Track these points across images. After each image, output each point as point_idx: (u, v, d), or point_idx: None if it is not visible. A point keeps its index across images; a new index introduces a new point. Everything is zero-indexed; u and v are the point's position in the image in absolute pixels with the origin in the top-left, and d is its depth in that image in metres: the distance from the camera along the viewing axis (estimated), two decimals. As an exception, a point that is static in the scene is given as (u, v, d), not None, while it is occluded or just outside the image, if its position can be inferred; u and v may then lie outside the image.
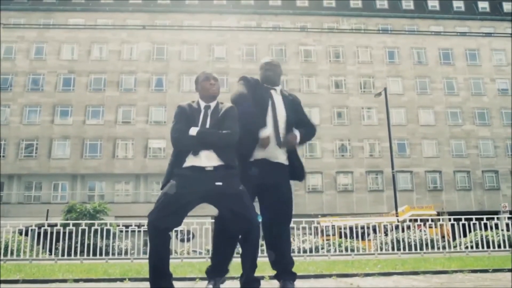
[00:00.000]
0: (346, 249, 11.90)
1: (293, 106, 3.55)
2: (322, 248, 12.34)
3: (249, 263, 2.96)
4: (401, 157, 34.65)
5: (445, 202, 33.63)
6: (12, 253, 10.84)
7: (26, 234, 12.16)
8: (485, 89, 37.81)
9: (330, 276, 4.47)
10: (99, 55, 36.52)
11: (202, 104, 3.21)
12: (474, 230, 12.51)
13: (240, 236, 3.04)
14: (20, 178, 33.66)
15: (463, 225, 11.96)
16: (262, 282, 3.14)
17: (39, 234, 11.56)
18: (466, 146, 36.41)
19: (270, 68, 3.61)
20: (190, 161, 3.02)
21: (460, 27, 40.86)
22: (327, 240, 13.11)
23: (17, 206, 32.06)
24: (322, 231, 13.84)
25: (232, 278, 4.26)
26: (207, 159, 3.01)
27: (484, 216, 12.09)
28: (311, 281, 4.21)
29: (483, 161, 36.03)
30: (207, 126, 3.09)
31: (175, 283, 3.03)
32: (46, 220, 19.94)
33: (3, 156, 33.45)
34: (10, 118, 34.28)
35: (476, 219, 11.89)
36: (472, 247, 12.01)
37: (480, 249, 11.59)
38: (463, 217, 11.88)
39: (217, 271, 3.37)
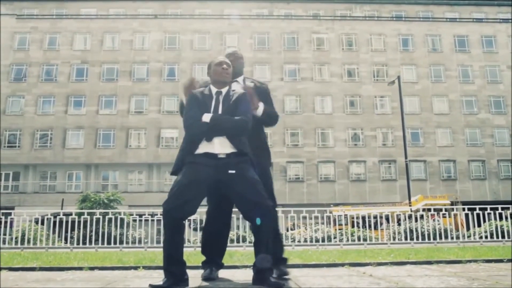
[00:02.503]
0: (359, 239, 11.88)
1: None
2: (335, 238, 12.34)
3: (263, 251, 2.95)
4: (414, 146, 34.35)
5: (459, 191, 33.30)
6: (28, 242, 11.07)
7: (42, 223, 12.37)
8: (502, 76, 37.12)
9: (342, 265, 4.47)
10: (111, 45, 36.66)
11: (214, 90, 3.20)
12: (489, 220, 12.38)
13: (259, 222, 3.02)
14: (35, 168, 34.17)
15: (478, 214, 11.84)
16: (275, 271, 3.15)
17: (54, 223, 11.75)
18: (481, 135, 35.92)
19: (234, 65, 3.51)
20: (203, 148, 3.03)
21: (476, 13, 40.04)
22: (339, 229, 13.10)
23: (32, 196, 32.63)
24: (334, 221, 13.86)
25: (245, 267, 4.29)
26: (221, 146, 3.02)
27: (499, 206, 11.96)
28: (323, 270, 4.21)
29: (499, 150, 35.52)
30: (219, 112, 3.08)
31: (188, 271, 3.05)
32: (61, 209, 20.27)
33: (19, 146, 33.97)
34: (25, 109, 34.72)
35: (491, 208, 11.76)
36: (486, 237, 11.91)
37: (495, 239, 11.49)
38: (477, 206, 11.76)
39: (212, 263, 3.53)
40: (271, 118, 3.59)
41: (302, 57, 36.39)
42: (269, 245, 2.99)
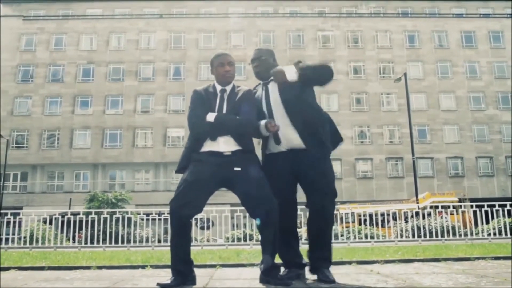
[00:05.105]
0: (366, 236, 11.83)
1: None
2: (342, 235, 12.32)
3: (269, 249, 2.95)
4: (421, 143, 34.17)
5: (467, 188, 33.08)
6: (37, 241, 11.16)
7: (50, 223, 12.45)
8: (509, 72, 36.78)
9: (350, 263, 4.46)
10: (117, 45, 36.80)
11: (218, 87, 3.17)
12: (497, 216, 12.30)
13: (258, 222, 3.00)
14: (43, 168, 34.40)
15: (486, 211, 11.75)
16: (282, 269, 3.15)
17: (62, 222, 11.82)
18: (489, 131, 35.65)
19: (258, 64, 3.32)
20: (208, 146, 3.02)
21: (483, 9, 39.73)
22: (346, 227, 13.07)
23: (40, 196, 32.86)
24: (341, 218, 13.80)
25: (252, 265, 4.29)
26: (225, 144, 3.01)
27: (508, 203, 11.86)
28: (331, 267, 4.19)
29: (507, 147, 35.24)
30: (224, 110, 3.07)
31: (195, 270, 3.06)
32: (69, 208, 20.39)
33: (26, 147, 34.22)
34: (32, 109, 34.95)
35: (499, 205, 11.67)
36: (494, 234, 11.84)
37: (503, 236, 11.41)
38: (485, 203, 11.67)
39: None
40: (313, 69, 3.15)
41: (307, 55, 36.25)
42: (276, 243, 2.98)
